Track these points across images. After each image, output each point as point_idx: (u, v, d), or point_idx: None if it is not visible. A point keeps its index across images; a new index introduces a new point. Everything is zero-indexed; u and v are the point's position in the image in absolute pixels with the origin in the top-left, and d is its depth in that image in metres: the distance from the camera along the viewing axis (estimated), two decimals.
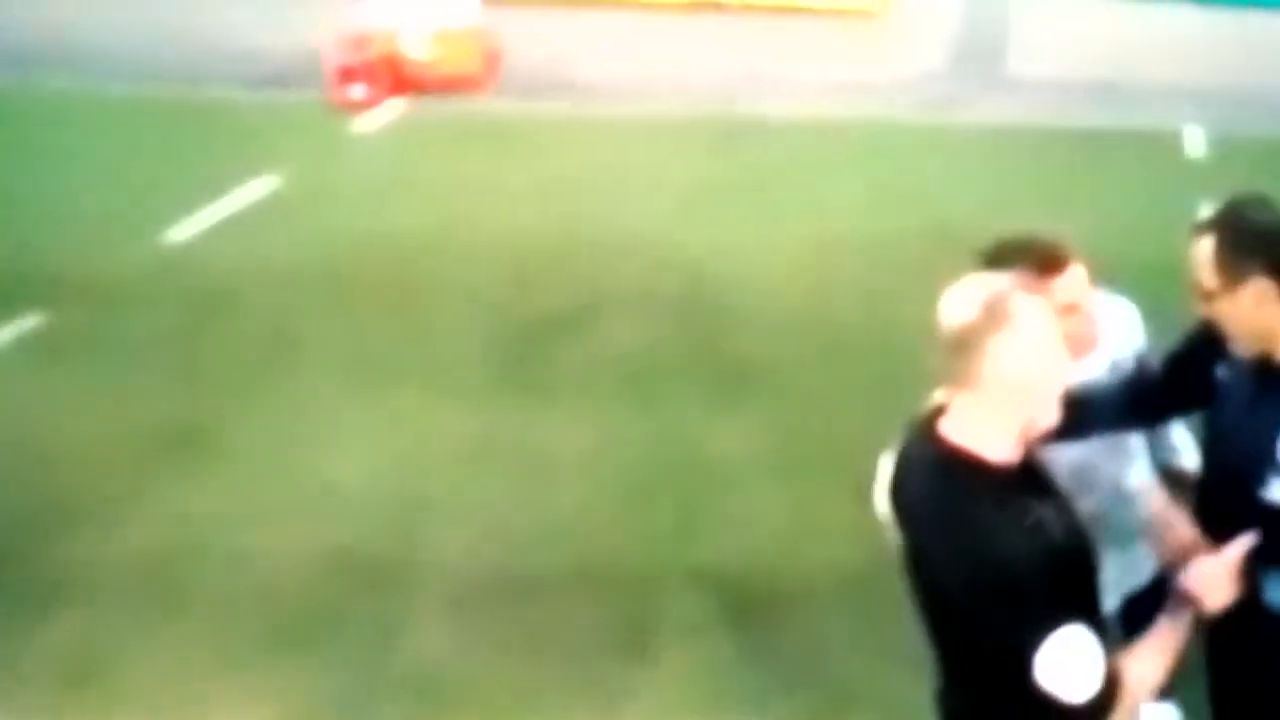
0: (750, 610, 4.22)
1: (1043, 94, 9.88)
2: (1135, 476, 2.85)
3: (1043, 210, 7.29)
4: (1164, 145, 8.71)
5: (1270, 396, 2.36)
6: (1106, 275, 2.73)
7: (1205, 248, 2.31)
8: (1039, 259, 2.54)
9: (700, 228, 7.40)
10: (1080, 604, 1.94)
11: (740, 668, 3.96)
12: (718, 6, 12.41)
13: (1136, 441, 2.90)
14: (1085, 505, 2.31)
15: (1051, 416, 1.99)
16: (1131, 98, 9.76)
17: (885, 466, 2.50)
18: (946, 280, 6.14)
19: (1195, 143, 8.79)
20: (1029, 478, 2.00)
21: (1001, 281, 2.00)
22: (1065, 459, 2.37)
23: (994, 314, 1.89)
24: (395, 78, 10.35)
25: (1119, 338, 2.81)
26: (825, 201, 7.79)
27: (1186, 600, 2.10)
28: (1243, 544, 2.16)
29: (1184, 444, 3.10)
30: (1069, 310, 2.47)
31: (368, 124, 9.84)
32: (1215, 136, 8.80)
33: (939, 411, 2.03)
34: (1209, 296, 2.33)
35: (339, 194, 8.21)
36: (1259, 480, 2.35)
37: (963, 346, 1.91)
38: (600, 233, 7.37)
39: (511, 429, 5.27)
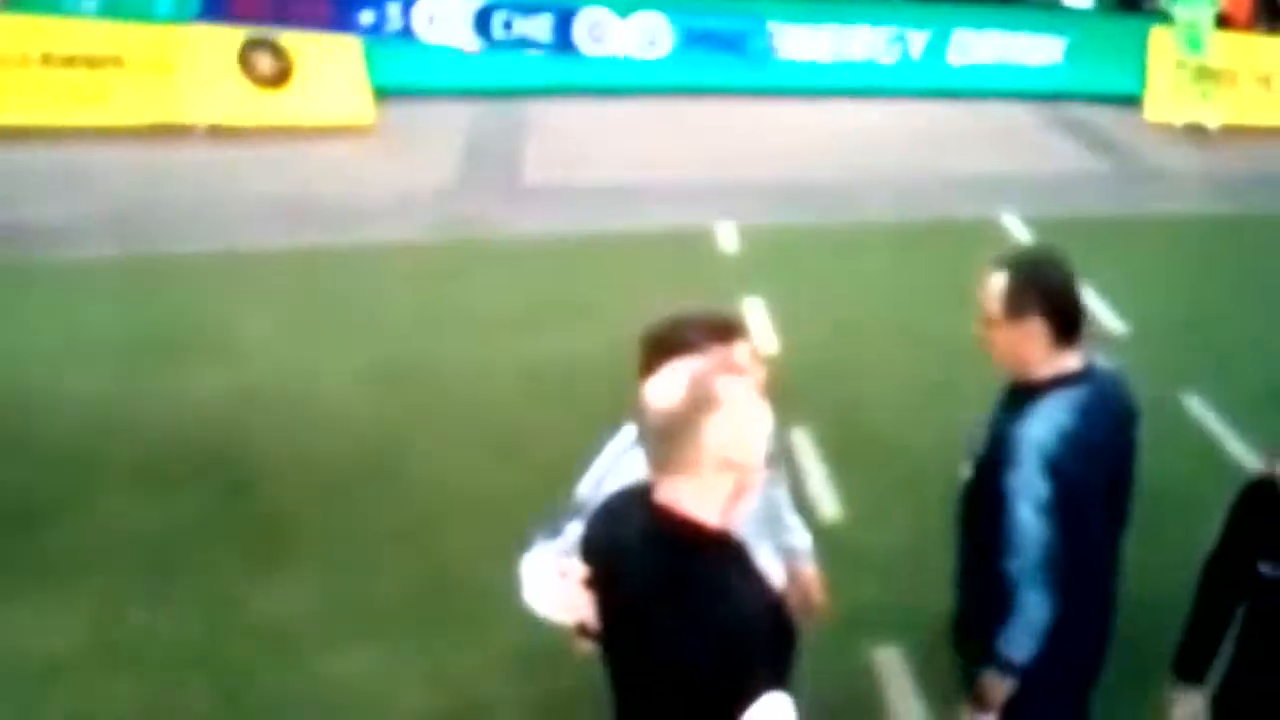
0: None
1: (565, 202, 11.05)
2: (762, 557, 3.60)
3: (585, 317, 8.39)
4: (697, 241, 10.11)
5: (1014, 407, 3.42)
6: None
7: (998, 282, 3.40)
8: (709, 330, 3.22)
9: (196, 378, 7.64)
10: (786, 674, 2.47)
11: None
12: (182, 130, 12.65)
13: (757, 523, 3.66)
14: None
15: (760, 482, 2.58)
16: (658, 199, 11.17)
17: (531, 568, 3.08)
18: (479, 403, 7.13)
19: (727, 237, 10.28)
20: (739, 547, 2.55)
21: (703, 364, 2.53)
22: None
23: (702, 397, 2.40)
24: None
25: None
26: (343, 334, 8.32)
27: None
28: None
29: (796, 524, 4.04)
30: None
31: None
32: (744, 229, 10.36)
33: (645, 493, 2.52)
34: (989, 324, 3.42)
35: None
36: (992, 465, 3.41)
37: (675, 432, 2.40)
38: (66, 397, 7.39)
39: None
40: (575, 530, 2.96)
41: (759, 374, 3.27)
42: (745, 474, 2.48)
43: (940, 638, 5.58)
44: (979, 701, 3.57)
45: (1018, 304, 3.36)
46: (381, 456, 6.88)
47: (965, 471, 3.69)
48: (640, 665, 2.58)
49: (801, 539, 4.06)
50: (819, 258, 9.89)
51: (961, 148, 13.41)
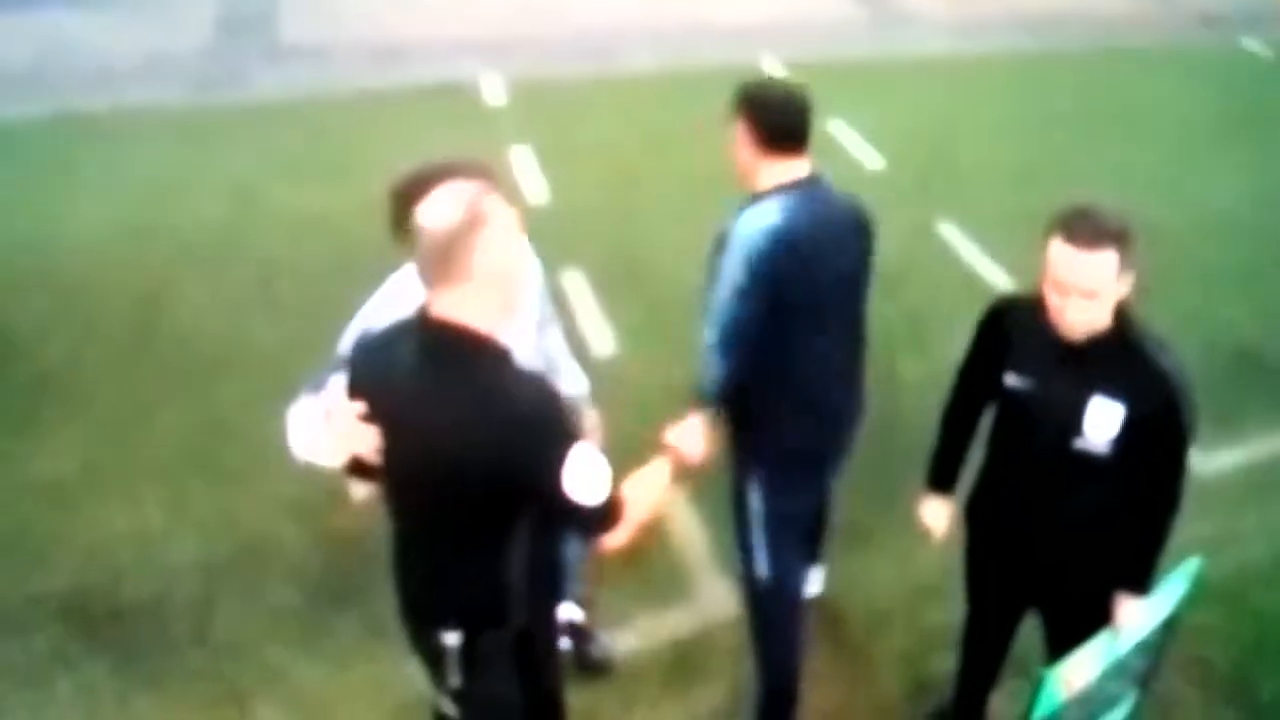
0: (115, 623, 4.74)
1: (324, 62, 10.71)
2: None
3: (345, 173, 8.17)
4: (464, 96, 9.96)
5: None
6: None
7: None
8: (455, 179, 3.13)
9: None
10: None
11: (119, 680, 4.50)
12: None
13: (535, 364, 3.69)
14: None
15: (524, 297, 2.82)
16: (422, 55, 10.91)
17: (296, 419, 3.05)
18: (241, 260, 6.89)
19: (494, 90, 10.13)
20: (508, 350, 2.72)
21: (471, 187, 2.64)
22: None
23: (475, 214, 2.56)
24: None
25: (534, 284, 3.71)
26: (98, 197, 8.01)
27: (671, 450, 3.06)
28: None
29: (573, 370, 4.13)
30: None
31: None
32: (511, 81, 10.19)
33: (414, 321, 2.67)
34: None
35: None
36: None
37: (451, 247, 2.55)
38: None
39: None
40: (338, 381, 3.01)
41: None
42: (515, 286, 2.70)
43: (711, 465, 5.71)
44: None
45: (732, 109, 3.72)
46: (146, 314, 6.76)
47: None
48: (432, 481, 2.67)
49: (578, 384, 4.14)
50: (586, 107, 9.87)
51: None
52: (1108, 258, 3.07)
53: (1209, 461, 5.72)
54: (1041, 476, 3.49)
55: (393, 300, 3.28)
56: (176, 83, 10.05)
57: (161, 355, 6.37)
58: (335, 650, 4.62)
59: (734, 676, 4.54)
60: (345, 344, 3.27)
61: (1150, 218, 7.52)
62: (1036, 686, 3.53)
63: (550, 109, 9.68)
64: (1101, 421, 3.25)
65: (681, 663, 4.64)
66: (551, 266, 6.50)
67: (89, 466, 5.56)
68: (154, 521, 5.27)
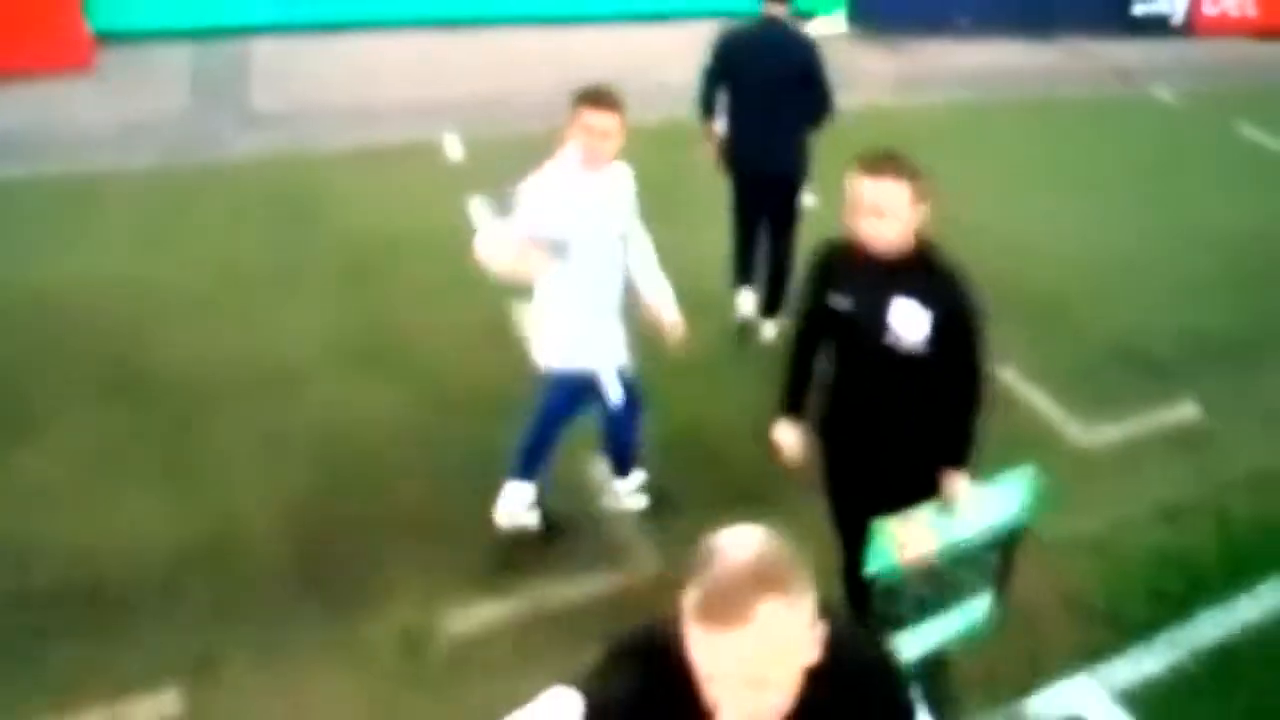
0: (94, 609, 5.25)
1: (294, 126, 11.33)
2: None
3: (316, 224, 8.69)
4: (426, 155, 10.65)
5: None
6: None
7: None
8: (592, 94, 5.18)
9: None
10: None
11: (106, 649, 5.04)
12: None
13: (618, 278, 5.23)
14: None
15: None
16: (387, 118, 11.61)
17: (487, 234, 4.72)
18: (219, 304, 7.50)
19: (454, 148, 10.83)
20: None
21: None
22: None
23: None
24: None
25: (627, 186, 5.35)
26: (77, 253, 8.49)
27: None
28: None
29: (655, 276, 5.52)
30: (603, 135, 5.12)
31: None
32: (471, 140, 10.87)
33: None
34: None
35: None
36: None
37: None
38: None
39: None
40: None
41: (616, 137, 5.18)
42: None
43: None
44: None
45: None
46: (127, 358, 7.20)
47: None
48: None
49: (664, 291, 5.50)
50: (538, 160, 10.25)
51: (678, 62, 13.96)
52: (897, 185, 3.91)
53: (1094, 435, 6.66)
54: (871, 378, 4.21)
55: (551, 182, 5.02)
56: (152, 148, 10.61)
57: (140, 396, 6.80)
58: (303, 623, 5.20)
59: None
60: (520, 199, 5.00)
61: (1072, 251, 8.46)
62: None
63: (504, 163, 10.21)
64: (904, 318, 3.97)
65: (616, 613, 5.25)
66: (505, 301, 7.11)
67: (65, 478, 6.06)
68: (134, 522, 5.77)
